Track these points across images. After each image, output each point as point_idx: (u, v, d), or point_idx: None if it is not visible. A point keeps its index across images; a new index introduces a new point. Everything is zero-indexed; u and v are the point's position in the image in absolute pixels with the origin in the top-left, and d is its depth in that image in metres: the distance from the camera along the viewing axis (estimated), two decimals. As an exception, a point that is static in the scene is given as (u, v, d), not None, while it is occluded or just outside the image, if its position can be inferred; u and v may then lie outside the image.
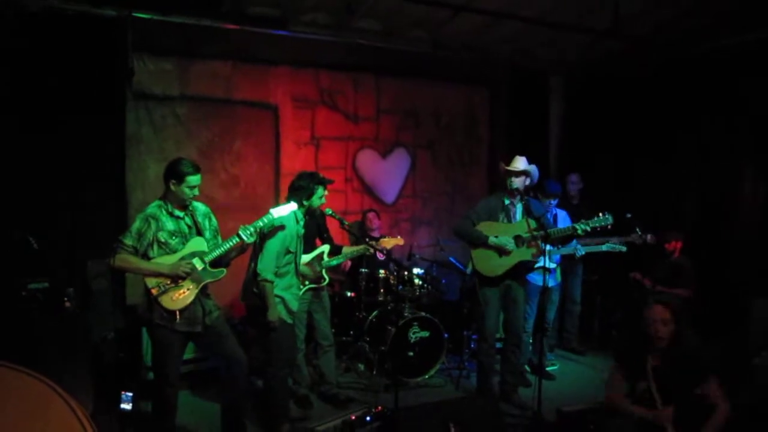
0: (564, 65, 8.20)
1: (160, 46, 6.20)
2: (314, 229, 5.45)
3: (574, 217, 6.42)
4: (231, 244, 4.13)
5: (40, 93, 5.41)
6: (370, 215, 6.96)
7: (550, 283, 6.12)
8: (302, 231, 4.74)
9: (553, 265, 5.78)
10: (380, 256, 6.33)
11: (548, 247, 5.33)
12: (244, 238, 4.10)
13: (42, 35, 5.38)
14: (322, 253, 5.43)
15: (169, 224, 4.05)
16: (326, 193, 5.24)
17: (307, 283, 5.23)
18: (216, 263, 4.15)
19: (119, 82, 5.87)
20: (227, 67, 6.61)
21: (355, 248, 5.66)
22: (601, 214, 5.25)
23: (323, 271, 5.38)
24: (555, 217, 6.40)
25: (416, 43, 7.13)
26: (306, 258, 5.24)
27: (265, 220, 4.26)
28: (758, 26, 6.18)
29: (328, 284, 5.48)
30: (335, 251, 5.55)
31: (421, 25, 6.80)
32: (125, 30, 5.72)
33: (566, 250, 6.11)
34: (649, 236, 6.05)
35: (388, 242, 5.84)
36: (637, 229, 6.06)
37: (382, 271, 6.49)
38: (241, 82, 6.69)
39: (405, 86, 7.75)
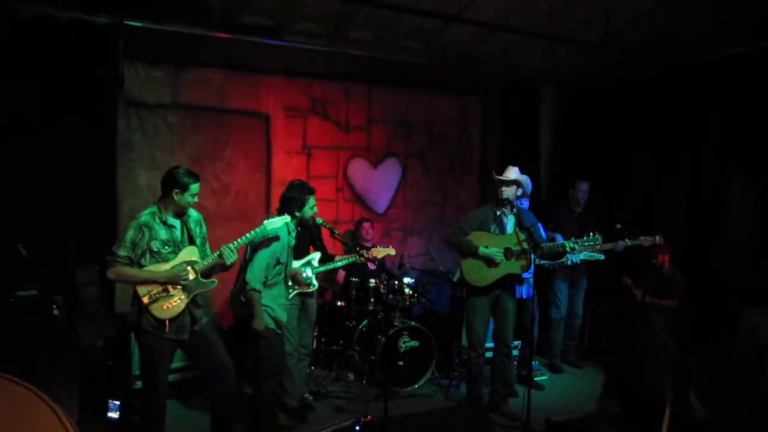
0: (556, 75, 8.24)
1: (151, 53, 6.22)
2: (308, 237, 5.45)
3: (578, 225, 6.47)
4: (214, 259, 4.14)
5: (31, 99, 5.38)
6: (366, 225, 6.93)
7: (525, 294, 6.13)
8: (293, 242, 4.74)
9: (527, 275, 5.77)
10: (371, 266, 6.32)
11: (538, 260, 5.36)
12: (225, 257, 4.11)
13: (34, 42, 5.37)
14: (313, 259, 5.43)
15: (162, 233, 4.03)
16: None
17: (295, 287, 5.22)
18: (206, 275, 4.15)
19: (111, 89, 5.84)
20: (219, 75, 6.62)
21: (346, 257, 5.66)
22: (591, 234, 5.34)
23: (313, 278, 5.37)
24: None
25: (408, 53, 7.13)
26: (297, 264, 5.24)
27: (257, 230, 4.27)
28: (748, 40, 6.26)
29: (317, 290, 5.46)
30: (327, 259, 5.54)
31: (413, 35, 6.82)
32: (117, 37, 5.71)
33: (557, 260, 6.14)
34: (659, 238, 5.99)
35: (380, 252, 5.83)
36: (626, 240, 6.01)
37: (372, 281, 6.46)
38: (233, 91, 6.70)
39: (397, 96, 7.77)
